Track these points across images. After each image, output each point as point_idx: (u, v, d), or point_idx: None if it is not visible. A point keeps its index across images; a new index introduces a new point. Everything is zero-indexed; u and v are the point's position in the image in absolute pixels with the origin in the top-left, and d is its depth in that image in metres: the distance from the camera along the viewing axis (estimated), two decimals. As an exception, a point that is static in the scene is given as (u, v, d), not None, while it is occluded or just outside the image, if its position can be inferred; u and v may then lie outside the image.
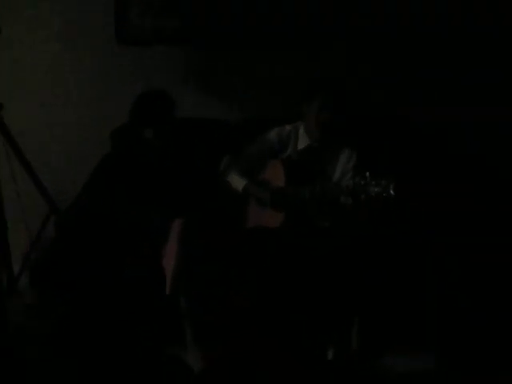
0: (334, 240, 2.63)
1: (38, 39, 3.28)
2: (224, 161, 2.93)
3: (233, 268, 2.61)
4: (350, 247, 2.60)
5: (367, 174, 2.39)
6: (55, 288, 2.64)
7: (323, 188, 2.60)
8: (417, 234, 2.82)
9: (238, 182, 2.78)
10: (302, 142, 2.83)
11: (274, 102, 3.26)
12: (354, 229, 2.70)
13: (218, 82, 3.35)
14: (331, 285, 2.57)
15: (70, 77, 3.33)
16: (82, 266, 2.61)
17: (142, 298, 2.57)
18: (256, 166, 2.86)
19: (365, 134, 2.99)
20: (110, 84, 3.30)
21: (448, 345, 2.66)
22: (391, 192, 2.34)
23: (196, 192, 2.76)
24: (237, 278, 2.60)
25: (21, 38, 3.24)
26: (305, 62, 3.28)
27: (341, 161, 2.80)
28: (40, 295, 2.71)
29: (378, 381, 2.56)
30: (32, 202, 2.90)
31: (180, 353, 2.54)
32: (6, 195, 2.78)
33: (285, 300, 2.58)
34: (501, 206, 3.09)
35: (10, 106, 2.75)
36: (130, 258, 2.60)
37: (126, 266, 2.59)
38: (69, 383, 2.43)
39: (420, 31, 3.26)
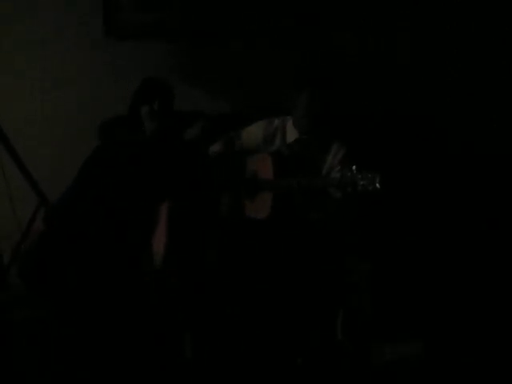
0: (319, 231, 2.67)
1: (27, 30, 3.28)
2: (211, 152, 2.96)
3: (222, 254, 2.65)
4: (334, 237, 2.64)
5: (354, 166, 2.42)
6: (43, 282, 2.64)
7: (311, 179, 2.64)
8: (403, 225, 2.87)
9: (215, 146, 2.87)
10: (291, 136, 2.84)
11: (262, 95, 3.28)
12: (340, 221, 2.74)
13: (205, 75, 3.36)
14: (316, 276, 2.60)
15: (58, 70, 3.33)
16: (71, 260, 2.61)
17: (132, 289, 2.59)
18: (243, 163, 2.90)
19: (354, 127, 3.01)
20: (98, 76, 3.31)
21: (436, 330, 2.71)
22: (377, 185, 2.38)
23: (184, 179, 2.79)
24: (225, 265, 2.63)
25: (11, 37, 3.26)
26: (296, 53, 3.28)
27: (329, 153, 2.80)
28: (28, 288, 2.70)
29: (366, 369, 2.59)
30: (22, 193, 2.92)
31: (174, 338, 2.58)
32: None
33: (272, 289, 2.62)
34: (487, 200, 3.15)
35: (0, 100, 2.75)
36: (119, 248, 2.63)
37: (115, 258, 2.62)
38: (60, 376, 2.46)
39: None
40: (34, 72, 3.32)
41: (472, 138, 3.28)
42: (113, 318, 2.58)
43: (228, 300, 2.62)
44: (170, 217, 2.63)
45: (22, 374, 2.49)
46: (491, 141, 3.30)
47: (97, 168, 2.80)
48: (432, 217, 3.03)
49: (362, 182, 2.40)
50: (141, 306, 2.58)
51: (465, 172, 3.22)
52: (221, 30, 3.30)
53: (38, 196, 2.88)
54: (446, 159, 3.21)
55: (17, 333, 2.66)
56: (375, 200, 2.47)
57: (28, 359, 2.53)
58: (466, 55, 3.29)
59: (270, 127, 2.88)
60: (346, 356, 2.61)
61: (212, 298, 2.63)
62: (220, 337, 2.61)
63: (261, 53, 3.30)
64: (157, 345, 2.56)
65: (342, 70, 3.21)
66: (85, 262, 2.60)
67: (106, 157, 2.80)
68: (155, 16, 3.29)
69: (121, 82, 2.87)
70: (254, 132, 2.90)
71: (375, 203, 2.63)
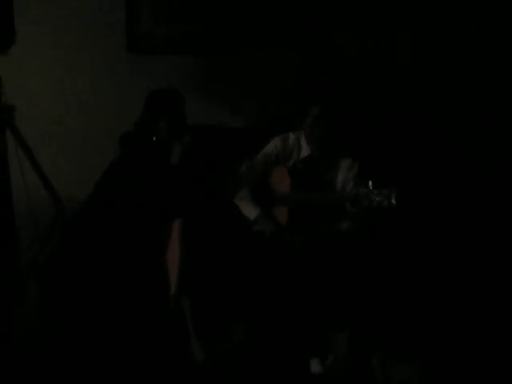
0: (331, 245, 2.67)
1: (50, 46, 3.35)
2: (231, 171, 2.97)
3: (234, 270, 2.65)
4: (345, 253, 2.64)
5: (369, 182, 2.43)
6: (61, 292, 2.67)
7: (327, 194, 2.65)
8: (415, 243, 2.86)
9: (250, 210, 2.81)
10: (305, 151, 2.85)
11: (278, 111, 3.29)
12: (355, 236, 2.74)
13: (223, 90, 3.39)
14: (325, 289, 2.59)
15: (80, 82, 3.39)
16: (88, 271, 2.65)
17: (146, 300, 2.61)
18: (263, 176, 2.90)
19: (367, 141, 3.01)
20: (119, 90, 3.36)
21: (436, 350, 2.67)
22: (393, 201, 2.38)
23: (198, 194, 2.81)
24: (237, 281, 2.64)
25: (33, 45, 3.30)
26: (309, 71, 3.31)
27: (342, 169, 2.79)
28: (45, 298, 2.73)
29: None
30: (42, 204, 2.96)
31: (184, 344, 2.59)
32: (16, 197, 2.85)
33: (282, 301, 2.61)
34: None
35: (22, 109, 2.79)
36: (135, 262, 2.65)
37: (131, 271, 2.64)
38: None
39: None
40: (58, 84, 3.39)
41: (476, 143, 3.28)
42: (124, 334, 2.60)
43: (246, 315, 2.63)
44: (185, 233, 2.65)
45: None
46: (493, 143, 3.30)
47: (115, 180, 2.83)
48: (443, 232, 3.02)
49: (377, 198, 2.41)
50: (152, 322, 2.61)
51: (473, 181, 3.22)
52: (238, 44, 3.32)
53: (57, 207, 2.92)
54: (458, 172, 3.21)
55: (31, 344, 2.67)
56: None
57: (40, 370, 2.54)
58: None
59: (286, 142, 2.89)
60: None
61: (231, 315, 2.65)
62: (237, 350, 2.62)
63: (277, 66, 3.32)
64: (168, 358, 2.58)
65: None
66: (100, 274, 2.63)
67: (125, 169, 2.83)
68: (176, 30, 3.33)
69: (141, 95, 2.90)
70: (272, 147, 2.91)
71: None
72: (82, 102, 3.40)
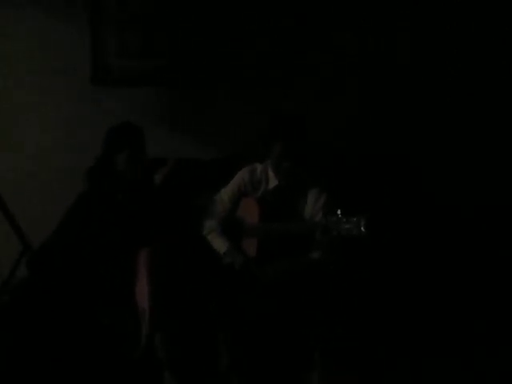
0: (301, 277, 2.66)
1: (14, 78, 3.32)
2: (199, 203, 2.96)
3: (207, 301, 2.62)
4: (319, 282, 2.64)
5: (338, 211, 2.44)
6: (25, 331, 2.59)
7: (296, 224, 2.65)
8: (389, 269, 2.87)
9: (219, 243, 2.81)
10: (272, 182, 2.83)
11: (248, 141, 3.30)
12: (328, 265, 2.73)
13: (192, 122, 3.40)
14: (294, 321, 2.57)
15: (45, 117, 3.37)
16: (54, 308, 2.58)
17: (117, 340, 2.56)
18: (231, 207, 2.89)
19: (336, 171, 3.04)
20: (84, 125, 3.34)
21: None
22: (362, 229, 2.39)
23: (164, 223, 2.80)
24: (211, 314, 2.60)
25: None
26: (280, 101, 3.34)
27: (310, 199, 2.78)
28: (10, 337, 2.65)
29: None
30: (5, 240, 2.90)
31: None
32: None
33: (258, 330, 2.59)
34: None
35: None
36: (103, 296, 2.60)
37: (98, 308, 2.59)
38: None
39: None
40: (23, 119, 3.36)
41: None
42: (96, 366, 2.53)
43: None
44: (150, 265, 2.62)
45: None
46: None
47: (80, 215, 2.79)
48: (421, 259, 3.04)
49: (346, 226, 2.41)
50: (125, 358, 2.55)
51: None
52: (207, 78, 3.36)
53: (22, 242, 2.86)
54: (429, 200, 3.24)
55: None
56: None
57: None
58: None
59: (254, 173, 2.88)
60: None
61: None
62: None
63: (247, 103, 3.37)
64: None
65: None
66: (68, 309, 2.57)
67: (89, 204, 2.80)
68: (143, 63, 3.35)
69: (106, 127, 2.89)
70: (240, 178, 2.91)
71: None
72: (50, 138, 3.38)
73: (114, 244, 2.69)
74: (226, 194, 2.89)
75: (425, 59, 3.36)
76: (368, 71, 3.37)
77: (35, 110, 3.36)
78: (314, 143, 2.81)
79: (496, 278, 3.14)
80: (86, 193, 2.87)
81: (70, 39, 3.30)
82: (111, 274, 2.64)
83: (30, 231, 2.94)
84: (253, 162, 2.91)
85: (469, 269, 3.12)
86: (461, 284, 3.03)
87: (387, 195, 3.11)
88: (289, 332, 2.58)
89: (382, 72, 3.36)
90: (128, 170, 2.77)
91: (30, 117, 3.37)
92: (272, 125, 2.75)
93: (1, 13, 3.27)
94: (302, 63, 3.35)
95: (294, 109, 3.17)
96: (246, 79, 3.35)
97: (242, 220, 2.84)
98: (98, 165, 2.83)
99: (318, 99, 3.37)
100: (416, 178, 3.25)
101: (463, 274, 3.09)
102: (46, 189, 3.37)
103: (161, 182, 2.92)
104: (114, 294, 2.61)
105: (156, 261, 2.64)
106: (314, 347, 2.57)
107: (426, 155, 3.34)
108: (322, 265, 2.72)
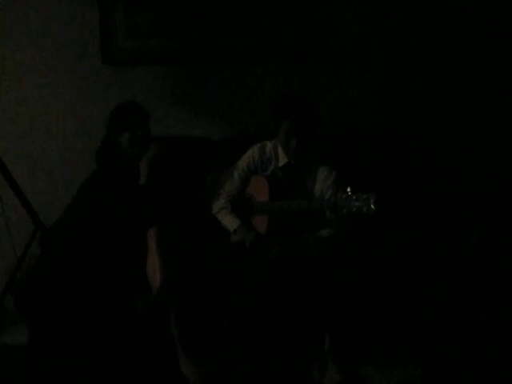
0: (310, 251, 2.68)
1: (24, 60, 3.32)
2: (208, 182, 2.97)
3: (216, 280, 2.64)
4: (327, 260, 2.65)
5: (348, 188, 2.43)
6: (40, 309, 2.63)
7: (306, 202, 2.64)
8: (398, 247, 2.87)
9: (229, 222, 2.84)
10: (282, 159, 2.85)
11: (257, 120, 3.32)
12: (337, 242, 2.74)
13: (201, 101, 3.39)
14: (302, 297, 2.59)
15: (56, 96, 3.37)
16: (67, 286, 2.61)
17: (129, 315, 2.58)
18: (241, 185, 2.90)
19: (345, 149, 3.03)
20: (96, 104, 3.34)
21: (433, 357, 2.68)
22: (372, 206, 2.38)
23: (172, 204, 2.81)
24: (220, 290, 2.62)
25: (7, 58, 3.31)
26: (290, 79, 3.33)
27: (319, 177, 2.81)
28: (25, 316, 2.68)
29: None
30: (18, 219, 2.93)
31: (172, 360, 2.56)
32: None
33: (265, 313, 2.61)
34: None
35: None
36: (114, 274, 2.62)
37: (111, 284, 2.61)
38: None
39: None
40: (34, 98, 3.37)
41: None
42: (108, 350, 2.57)
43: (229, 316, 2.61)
44: (160, 242, 2.64)
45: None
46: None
47: (92, 193, 2.81)
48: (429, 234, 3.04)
49: (356, 203, 2.41)
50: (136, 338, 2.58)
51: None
52: (215, 57, 3.34)
53: (34, 221, 2.87)
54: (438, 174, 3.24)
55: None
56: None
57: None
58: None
59: (264, 151, 2.90)
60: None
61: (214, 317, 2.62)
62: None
63: (252, 80, 3.35)
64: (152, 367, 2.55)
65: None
66: (81, 288, 2.60)
67: (102, 182, 2.81)
68: (153, 42, 3.34)
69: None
70: (250, 156, 2.91)
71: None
72: (60, 117, 3.38)
73: (123, 223, 2.70)
74: (235, 171, 2.90)
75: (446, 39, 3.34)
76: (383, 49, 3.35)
77: (46, 91, 3.36)
78: (323, 121, 2.81)
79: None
80: (97, 172, 2.89)
81: (79, 18, 3.29)
82: (122, 251, 2.66)
83: (41, 211, 2.96)
84: (263, 140, 2.91)
85: (478, 250, 3.11)
86: (470, 264, 3.02)
87: (397, 173, 3.10)
88: (297, 311, 2.60)
89: (394, 49, 3.35)
90: (130, 150, 2.77)
91: (40, 97, 3.37)
92: (280, 103, 2.77)
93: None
94: (313, 40, 3.32)
95: (304, 87, 3.20)
96: (256, 57, 3.33)
97: (251, 198, 2.85)
98: (103, 145, 2.85)
99: (328, 77, 3.35)
100: (426, 156, 3.25)
101: (471, 254, 3.07)
102: (58, 169, 3.39)
103: (147, 166, 2.88)
104: (125, 270, 2.63)
105: (165, 236, 2.66)
106: (323, 329, 2.60)
107: (438, 134, 3.33)
108: (331, 242, 2.73)
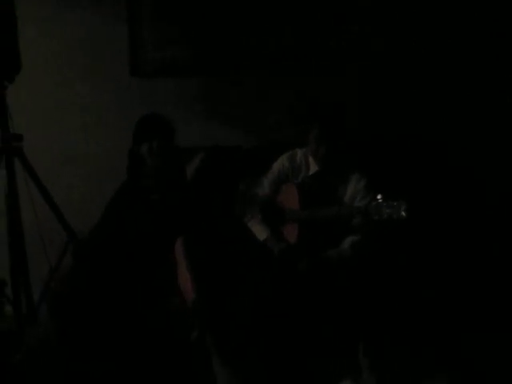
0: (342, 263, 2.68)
1: (55, 71, 3.40)
2: (240, 190, 2.98)
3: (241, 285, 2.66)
4: (357, 270, 2.65)
5: (379, 195, 2.44)
6: (73, 319, 2.66)
7: (337, 209, 2.66)
8: (426, 256, 2.86)
9: (259, 232, 2.84)
10: (313, 167, 2.86)
11: (284, 128, 3.32)
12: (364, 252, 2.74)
13: (227, 111, 3.42)
14: (336, 308, 2.58)
15: (86, 108, 3.43)
16: (100, 296, 2.63)
17: (162, 327, 2.61)
18: (271, 194, 2.92)
19: (375, 155, 3.03)
20: (124, 114, 3.38)
21: (461, 368, 2.66)
22: (402, 213, 2.39)
23: (200, 213, 2.81)
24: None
25: (38, 70, 3.36)
26: (315, 87, 3.32)
27: (350, 183, 2.80)
28: (58, 326, 2.71)
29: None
30: (52, 230, 2.97)
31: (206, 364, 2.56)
32: (25, 224, 2.85)
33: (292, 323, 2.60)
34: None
35: (29, 138, 2.82)
36: (147, 285, 2.65)
37: (143, 294, 2.63)
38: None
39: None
40: (63, 112, 3.43)
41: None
42: (141, 360, 2.57)
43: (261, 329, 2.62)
44: (188, 251, 2.65)
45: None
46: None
47: (119, 207, 2.83)
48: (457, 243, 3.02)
49: (387, 211, 2.42)
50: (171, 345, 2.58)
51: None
52: (245, 65, 3.37)
53: (67, 232, 2.92)
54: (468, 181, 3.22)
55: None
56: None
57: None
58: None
59: (294, 159, 2.91)
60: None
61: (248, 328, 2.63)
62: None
63: (282, 87, 3.36)
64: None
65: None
66: (113, 298, 2.63)
67: (130, 194, 2.84)
68: (177, 54, 3.38)
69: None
70: (280, 164, 2.93)
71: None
72: (90, 128, 3.44)
73: (148, 237, 2.71)
74: (266, 180, 2.92)
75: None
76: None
77: (76, 104, 3.43)
78: (352, 129, 2.83)
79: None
80: (125, 183, 2.92)
81: (108, 31, 3.36)
82: (151, 267, 2.68)
83: (74, 223, 3.01)
84: (292, 148, 2.93)
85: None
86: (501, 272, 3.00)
87: (428, 181, 3.10)
88: (327, 323, 2.59)
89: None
90: (150, 160, 2.76)
91: (69, 110, 3.43)
92: (310, 110, 2.80)
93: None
94: (338, 48, 3.32)
95: (331, 94, 3.20)
96: (284, 66, 3.34)
97: (282, 206, 2.86)
98: (129, 157, 2.88)
99: (355, 83, 3.35)
100: (460, 165, 3.23)
101: (504, 262, 3.05)
102: (90, 180, 3.45)
103: (192, 176, 2.92)
104: (156, 287, 2.65)
105: (192, 247, 2.65)
106: (356, 340, 2.59)
107: (471, 141, 3.29)
108: (360, 249, 2.73)
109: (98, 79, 3.40)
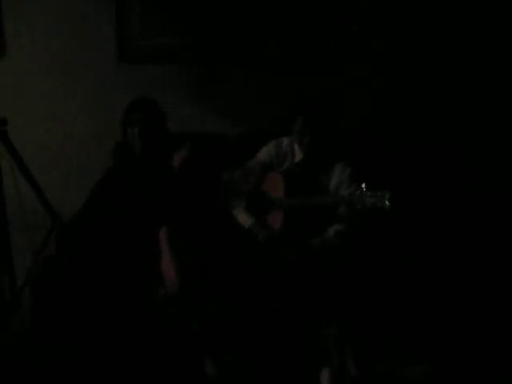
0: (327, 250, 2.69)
1: (41, 56, 3.37)
2: (224, 178, 2.98)
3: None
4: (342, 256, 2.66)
5: (363, 184, 2.46)
6: (56, 303, 2.65)
7: (320, 197, 2.67)
8: (410, 244, 2.87)
9: (244, 219, 2.85)
10: (298, 156, 2.88)
11: (271, 116, 3.31)
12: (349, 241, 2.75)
13: (215, 98, 3.41)
14: (320, 298, 2.59)
15: (71, 94, 3.41)
16: (83, 280, 2.63)
17: (144, 309, 2.60)
18: (256, 181, 2.92)
19: (360, 145, 3.04)
20: (110, 100, 3.37)
21: (446, 354, 2.68)
22: (386, 203, 2.40)
23: (185, 202, 2.82)
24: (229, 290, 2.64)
25: (23, 55, 3.35)
26: (304, 75, 3.32)
27: (335, 172, 2.82)
28: (37, 310, 2.71)
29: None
30: (36, 215, 2.96)
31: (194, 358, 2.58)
32: (10, 209, 2.83)
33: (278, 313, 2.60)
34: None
35: (14, 121, 2.80)
36: (130, 271, 2.65)
37: (126, 280, 2.63)
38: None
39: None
40: (49, 98, 3.41)
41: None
42: (123, 346, 2.58)
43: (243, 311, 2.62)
44: (172, 240, 2.66)
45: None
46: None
47: (106, 190, 2.83)
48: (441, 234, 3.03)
49: (371, 200, 2.44)
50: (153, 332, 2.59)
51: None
52: (232, 54, 3.35)
53: (52, 217, 2.91)
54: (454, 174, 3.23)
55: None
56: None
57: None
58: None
59: (280, 147, 2.92)
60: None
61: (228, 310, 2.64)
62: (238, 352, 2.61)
63: (264, 80, 3.36)
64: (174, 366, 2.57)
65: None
66: (94, 281, 2.62)
67: (116, 180, 2.84)
68: (166, 40, 3.36)
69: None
70: (266, 153, 2.94)
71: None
72: (76, 114, 3.42)
73: (131, 224, 2.72)
74: (251, 167, 2.92)
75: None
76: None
77: (61, 89, 3.40)
78: (337, 119, 2.84)
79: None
80: (111, 169, 2.91)
81: (95, 16, 3.32)
82: (135, 254, 2.68)
83: (58, 207, 2.99)
84: (279, 136, 2.94)
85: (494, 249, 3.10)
86: (484, 263, 3.01)
87: (411, 171, 3.11)
88: (307, 311, 2.60)
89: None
90: (135, 145, 2.77)
91: (56, 96, 3.41)
92: (294, 100, 2.83)
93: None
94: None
95: (318, 84, 3.20)
96: (271, 55, 3.33)
97: (267, 194, 2.87)
98: (116, 143, 2.87)
99: (344, 74, 3.34)
100: (443, 154, 3.24)
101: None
102: (74, 165, 3.45)
103: (179, 165, 2.91)
104: (139, 265, 2.66)
105: (176, 236, 2.67)
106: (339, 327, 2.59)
107: (467, 138, 3.30)
108: (343, 238, 2.74)
109: (85, 65, 3.37)
